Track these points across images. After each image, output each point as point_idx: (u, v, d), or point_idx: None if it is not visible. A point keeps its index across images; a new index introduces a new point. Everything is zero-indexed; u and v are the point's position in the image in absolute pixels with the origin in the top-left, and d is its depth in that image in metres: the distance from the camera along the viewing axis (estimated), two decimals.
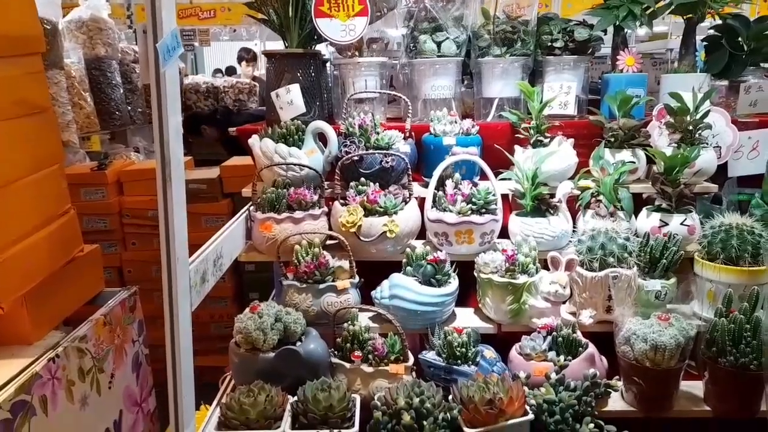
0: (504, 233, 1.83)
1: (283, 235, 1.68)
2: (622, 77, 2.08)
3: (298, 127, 1.86)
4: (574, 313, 1.67)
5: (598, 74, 2.54)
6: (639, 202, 1.88)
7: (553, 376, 1.45)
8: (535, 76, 2.14)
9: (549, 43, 2.02)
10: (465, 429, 1.32)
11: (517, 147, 1.97)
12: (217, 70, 6.18)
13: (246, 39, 5.58)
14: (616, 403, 1.56)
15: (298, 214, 1.71)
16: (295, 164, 1.79)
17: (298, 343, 1.49)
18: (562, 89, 2.04)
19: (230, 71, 5.86)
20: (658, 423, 1.57)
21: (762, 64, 2.13)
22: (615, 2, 2.04)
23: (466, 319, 1.73)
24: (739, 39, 2.05)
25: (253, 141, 1.85)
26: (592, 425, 1.37)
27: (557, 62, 2.06)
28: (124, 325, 1.64)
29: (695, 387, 1.58)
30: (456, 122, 1.91)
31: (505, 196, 1.87)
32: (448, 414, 1.29)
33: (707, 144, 1.91)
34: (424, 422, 1.21)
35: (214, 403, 1.42)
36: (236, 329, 1.46)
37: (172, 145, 1.15)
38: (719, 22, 2.13)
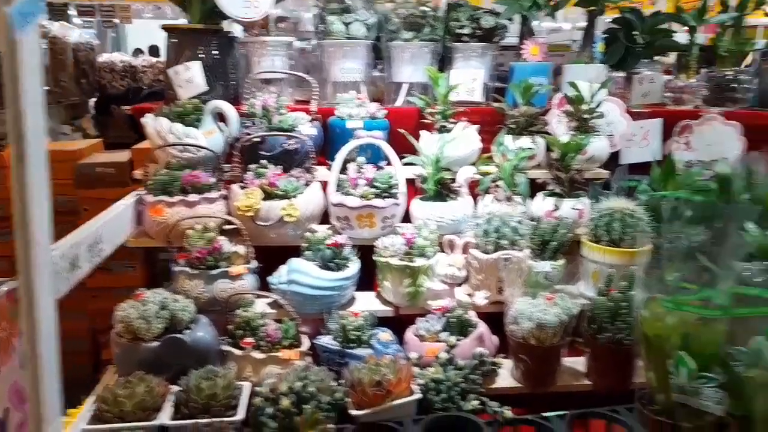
0: (409, 218, 1.85)
1: (174, 219, 1.62)
2: (526, 66, 2.13)
3: (196, 106, 1.79)
4: (471, 295, 1.72)
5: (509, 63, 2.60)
6: (539, 188, 1.95)
7: (443, 355, 1.49)
8: (444, 62, 2.16)
9: (457, 30, 2.04)
10: (351, 411, 1.33)
11: (423, 132, 1.99)
12: (138, 50, 5.86)
13: (171, 17, 5.30)
14: (505, 380, 1.62)
15: (192, 197, 1.65)
16: (191, 145, 1.72)
17: (186, 332, 1.44)
18: (469, 76, 2.08)
19: (153, 51, 5.57)
20: (544, 397, 1.64)
21: (657, 57, 2.26)
22: None
23: (367, 302, 1.74)
24: (635, 33, 2.15)
25: (147, 120, 1.76)
26: (476, 401, 1.41)
27: (465, 49, 2.09)
28: (10, 317, 1.53)
29: (579, 363, 1.66)
30: (362, 106, 1.90)
31: (411, 181, 1.89)
32: (332, 397, 1.29)
33: (600, 132, 1.99)
34: (306, 406, 1.20)
35: (90, 396, 1.35)
36: (117, 318, 1.39)
37: (29, 120, 1.06)
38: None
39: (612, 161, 2.13)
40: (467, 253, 1.66)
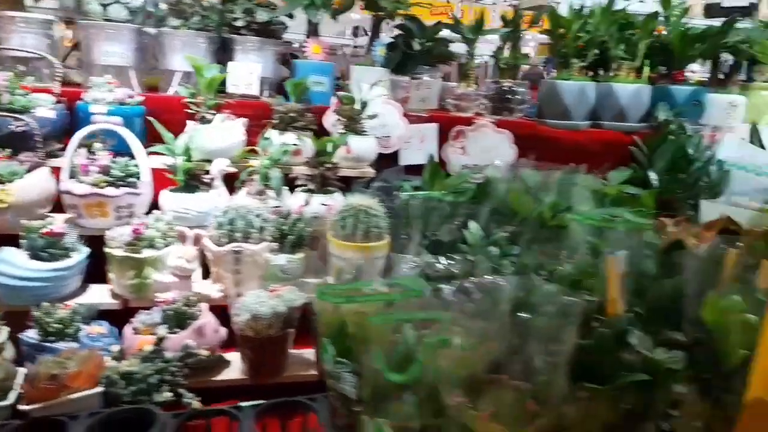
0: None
1: None
2: (308, 64, 2.17)
3: None
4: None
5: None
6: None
7: (147, 348, 1.45)
8: (226, 54, 2.14)
9: (231, 22, 2.03)
10: (20, 406, 1.26)
11: (189, 122, 1.95)
12: None
13: None
14: (234, 372, 1.62)
15: None
16: None
17: None
18: (247, 69, 2.07)
19: None
20: (274, 388, 1.66)
21: (439, 64, 2.38)
22: None
23: (96, 294, 1.67)
24: (414, 40, 2.25)
25: None
26: (169, 393, 1.40)
27: (244, 42, 2.08)
28: None
29: (311, 353, 1.70)
30: (112, 91, 1.83)
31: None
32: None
33: (368, 132, 2.06)
34: None
35: None
36: None
37: None
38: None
39: (394, 162, 2.23)
40: (198, 244, 1.64)
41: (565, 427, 1.05)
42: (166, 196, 1.78)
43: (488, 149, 2.35)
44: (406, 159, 2.26)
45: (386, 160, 2.26)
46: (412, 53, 2.24)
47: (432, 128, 2.27)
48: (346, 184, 2.06)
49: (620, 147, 2.43)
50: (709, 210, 1.90)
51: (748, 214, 1.85)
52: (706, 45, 2.52)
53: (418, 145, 2.27)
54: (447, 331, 1.00)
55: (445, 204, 1.98)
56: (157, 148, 1.77)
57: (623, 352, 1.07)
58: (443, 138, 2.32)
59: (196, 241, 1.64)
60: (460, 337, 1.04)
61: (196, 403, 1.37)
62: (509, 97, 2.40)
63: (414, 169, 2.21)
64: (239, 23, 2.01)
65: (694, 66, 2.66)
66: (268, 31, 2.07)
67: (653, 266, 1.46)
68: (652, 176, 2.17)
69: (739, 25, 2.65)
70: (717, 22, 2.65)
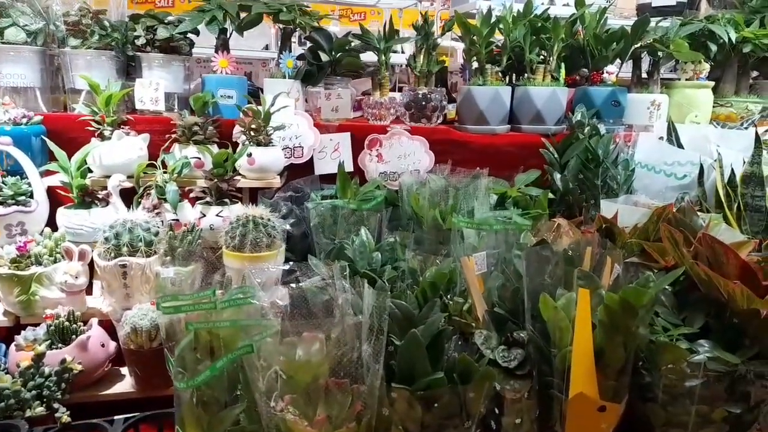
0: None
1: None
2: (216, 78, 2.20)
3: None
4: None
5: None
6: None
7: (24, 364, 1.48)
8: (135, 71, 2.18)
9: (134, 40, 2.07)
10: None
11: (94, 140, 1.98)
12: None
13: None
14: (124, 386, 1.64)
15: None
16: None
17: None
18: (152, 86, 2.11)
19: None
20: (165, 400, 1.68)
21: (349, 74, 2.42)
22: (207, 7, 2.16)
23: None
24: (321, 51, 2.29)
25: None
26: (41, 408, 1.42)
27: (149, 59, 2.12)
28: None
29: None
30: (7, 112, 1.86)
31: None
32: None
33: (274, 143, 2.09)
34: None
35: None
36: None
37: None
38: None
39: (309, 171, 2.27)
40: (83, 260, 1.67)
41: (387, 428, 1.07)
42: (61, 213, 1.81)
43: (404, 156, 2.39)
44: (321, 168, 2.30)
45: (303, 170, 2.29)
46: (321, 64, 2.28)
47: (345, 137, 2.30)
48: (252, 195, 2.09)
49: (538, 150, 2.46)
50: (609, 210, 1.93)
51: (641, 213, 1.88)
52: (622, 45, 2.56)
53: (332, 154, 2.31)
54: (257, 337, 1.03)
55: (349, 212, 2.01)
56: (50, 166, 1.81)
57: (440, 354, 1.09)
58: (361, 147, 2.36)
59: (84, 256, 1.66)
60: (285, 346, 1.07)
61: (65, 417, 1.39)
62: (424, 104, 2.43)
63: (332, 179, 2.25)
64: (140, 41, 2.05)
65: (611, 67, 2.69)
66: (172, 48, 2.11)
67: (524, 264, 1.48)
68: (556, 177, 2.20)
69: (664, 23, 2.69)
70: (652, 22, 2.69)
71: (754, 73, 3.01)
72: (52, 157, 1.90)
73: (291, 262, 1.68)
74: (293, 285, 1.59)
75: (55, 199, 1.90)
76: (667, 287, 1.29)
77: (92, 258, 1.70)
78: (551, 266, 1.39)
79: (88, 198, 1.82)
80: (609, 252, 1.33)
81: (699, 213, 1.85)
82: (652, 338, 1.16)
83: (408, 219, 2.14)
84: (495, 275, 1.52)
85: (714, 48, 2.65)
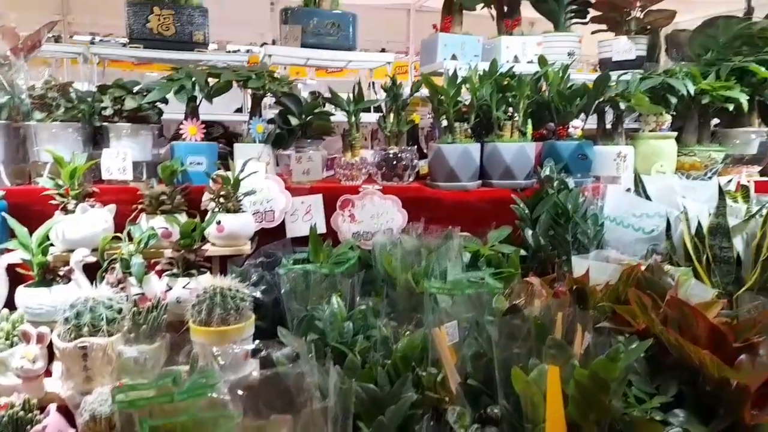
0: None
1: None
2: (184, 145, 2.20)
3: None
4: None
5: None
6: None
7: None
8: (102, 142, 2.17)
9: (101, 111, 2.07)
10: None
11: (57, 213, 1.94)
12: None
13: None
14: None
15: None
16: None
17: None
18: (120, 155, 2.09)
19: None
20: None
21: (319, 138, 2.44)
22: (175, 76, 2.18)
23: None
24: (290, 115, 2.31)
25: None
26: None
27: (115, 129, 2.11)
28: None
29: None
30: None
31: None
32: None
33: (244, 209, 2.07)
34: None
35: None
36: None
37: None
38: None
39: (282, 234, 2.24)
40: (42, 343, 1.60)
41: None
42: (20, 292, 1.75)
43: (377, 215, 2.38)
44: (293, 231, 2.27)
45: (275, 234, 2.27)
46: (291, 128, 2.30)
47: (317, 199, 2.30)
48: (222, 263, 2.05)
49: (509, 205, 2.48)
50: (581, 266, 1.93)
51: (612, 268, 1.88)
52: (585, 101, 2.64)
53: (304, 216, 2.29)
54: None
55: (321, 276, 1.97)
56: (8, 243, 1.76)
57: None
58: (333, 207, 2.35)
59: (42, 339, 1.59)
60: None
61: None
62: (395, 163, 2.45)
63: (304, 241, 2.22)
64: (108, 111, 2.05)
65: (577, 121, 2.76)
66: (141, 117, 2.11)
67: (496, 333, 1.45)
68: (528, 234, 2.21)
69: (626, 77, 2.79)
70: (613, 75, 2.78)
71: (717, 120, 3.12)
72: (13, 234, 1.84)
73: (258, 341, 1.63)
74: (263, 354, 1.55)
75: (16, 276, 1.84)
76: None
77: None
78: (523, 334, 1.37)
79: (49, 275, 1.76)
80: (579, 319, 1.31)
81: (669, 267, 1.87)
82: (626, 412, 1.13)
83: (382, 281, 2.11)
84: (468, 342, 1.49)
85: (674, 100, 2.74)
